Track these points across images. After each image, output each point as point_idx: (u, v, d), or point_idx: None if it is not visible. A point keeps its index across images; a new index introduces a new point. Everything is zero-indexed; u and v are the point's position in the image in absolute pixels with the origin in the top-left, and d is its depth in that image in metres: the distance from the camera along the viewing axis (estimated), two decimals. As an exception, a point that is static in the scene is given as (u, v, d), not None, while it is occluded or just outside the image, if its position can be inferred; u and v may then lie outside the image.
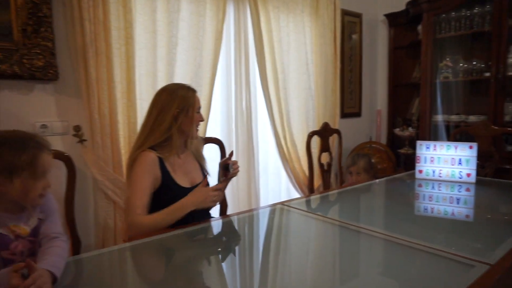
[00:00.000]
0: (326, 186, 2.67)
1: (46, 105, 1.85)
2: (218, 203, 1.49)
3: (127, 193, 1.38)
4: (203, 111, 2.29)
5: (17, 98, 1.76)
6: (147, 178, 1.37)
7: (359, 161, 2.36)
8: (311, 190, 2.59)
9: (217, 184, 1.40)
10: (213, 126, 2.44)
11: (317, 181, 2.81)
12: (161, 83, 2.10)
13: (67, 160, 1.45)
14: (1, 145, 0.97)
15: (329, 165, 2.69)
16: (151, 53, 2.04)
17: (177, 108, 1.42)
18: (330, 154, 2.71)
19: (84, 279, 1.02)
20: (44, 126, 1.85)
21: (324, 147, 2.65)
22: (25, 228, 1.03)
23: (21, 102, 1.78)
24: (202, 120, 1.54)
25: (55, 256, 0.93)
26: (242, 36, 2.50)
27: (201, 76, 2.25)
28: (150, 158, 1.39)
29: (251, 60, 2.56)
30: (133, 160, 1.40)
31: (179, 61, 2.16)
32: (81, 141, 1.92)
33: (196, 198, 1.33)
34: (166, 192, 1.41)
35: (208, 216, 1.55)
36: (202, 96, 2.27)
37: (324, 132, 2.65)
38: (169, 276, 1.04)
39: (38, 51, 1.72)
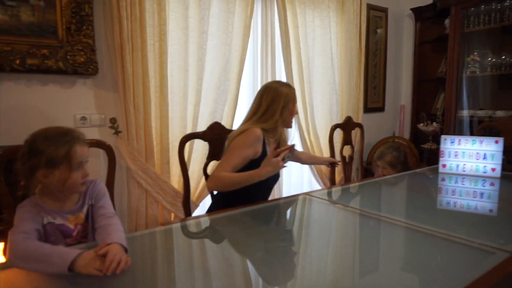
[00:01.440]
0: (347, 179, 2.71)
1: (86, 99, 1.98)
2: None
3: (225, 153, 1.60)
4: (231, 104, 2.38)
5: (60, 91, 1.90)
6: (248, 150, 1.57)
7: (385, 156, 2.31)
8: (332, 182, 2.64)
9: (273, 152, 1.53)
10: (240, 119, 2.51)
11: (339, 174, 2.86)
12: (192, 78, 2.19)
13: (108, 149, 1.55)
14: (43, 141, 1.07)
15: (351, 158, 2.73)
16: (182, 48, 2.13)
17: (283, 101, 1.64)
18: (352, 147, 2.74)
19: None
20: (83, 118, 1.98)
21: (347, 141, 2.69)
22: (81, 216, 1.18)
23: (64, 95, 1.91)
24: (297, 113, 1.76)
25: (120, 232, 1.06)
26: (269, 31, 2.56)
27: (229, 70, 2.33)
28: (258, 133, 1.59)
29: (277, 54, 2.62)
30: (242, 130, 1.60)
31: (208, 56, 2.24)
32: (117, 132, 2.05)
33: (267, 169, 1.48)
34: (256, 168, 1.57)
35: (265, 198, 1.71)
36: (229, 90, 2.35)
37: (347, 126, 2.69)
38: (200, 258, 1.13)
39: (80, 48, 1.85)
